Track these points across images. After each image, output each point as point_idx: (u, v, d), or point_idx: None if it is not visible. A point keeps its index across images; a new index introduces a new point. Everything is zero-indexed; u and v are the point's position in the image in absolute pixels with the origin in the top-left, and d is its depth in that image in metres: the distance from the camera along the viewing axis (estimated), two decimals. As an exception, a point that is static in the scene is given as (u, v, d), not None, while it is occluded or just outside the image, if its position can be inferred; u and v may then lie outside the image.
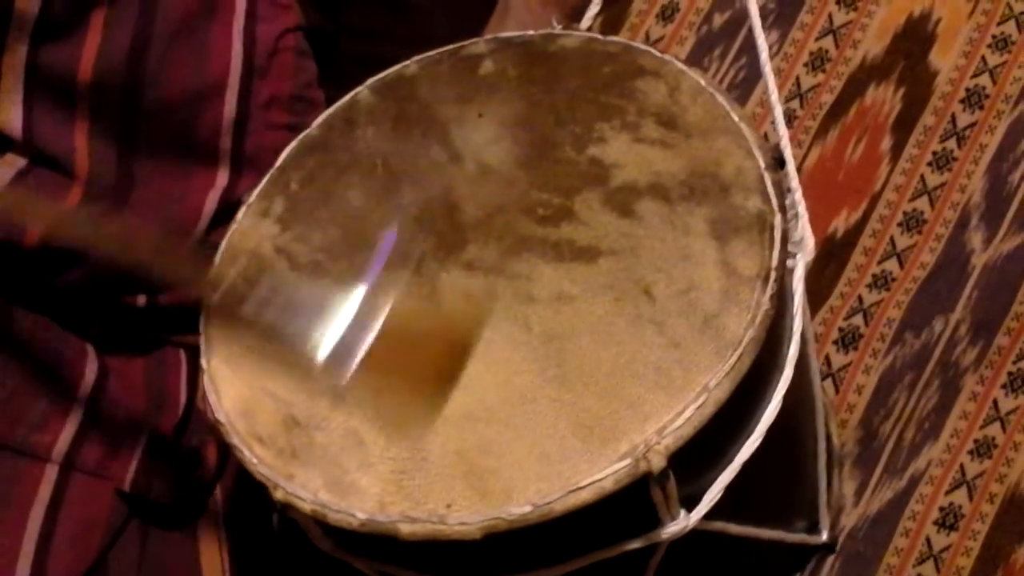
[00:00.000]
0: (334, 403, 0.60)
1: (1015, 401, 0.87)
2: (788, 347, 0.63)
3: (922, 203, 0.93)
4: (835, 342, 0.91)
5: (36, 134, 0.74)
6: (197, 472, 0.77)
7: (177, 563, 0.76)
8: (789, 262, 0.62)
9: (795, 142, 0.97)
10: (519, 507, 0.55)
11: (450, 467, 0.57)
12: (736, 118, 0.63)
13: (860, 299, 0.92)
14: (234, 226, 0.68)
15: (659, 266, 0.60)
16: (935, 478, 0.86)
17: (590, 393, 0.58)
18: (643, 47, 0.67)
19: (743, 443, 0.62)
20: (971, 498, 0.86)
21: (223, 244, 0.68)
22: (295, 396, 0.61)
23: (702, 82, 0.65)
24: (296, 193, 0.68)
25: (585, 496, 0.55)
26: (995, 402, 0.88)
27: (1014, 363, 0.88)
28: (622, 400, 0.57)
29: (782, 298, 0.60)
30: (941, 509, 0.86)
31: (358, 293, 0.63)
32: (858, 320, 0.91)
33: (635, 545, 0.60)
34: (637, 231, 0.62)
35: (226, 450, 0.77)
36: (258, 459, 0.60)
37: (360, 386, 0.60)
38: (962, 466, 0.87)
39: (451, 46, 0.71)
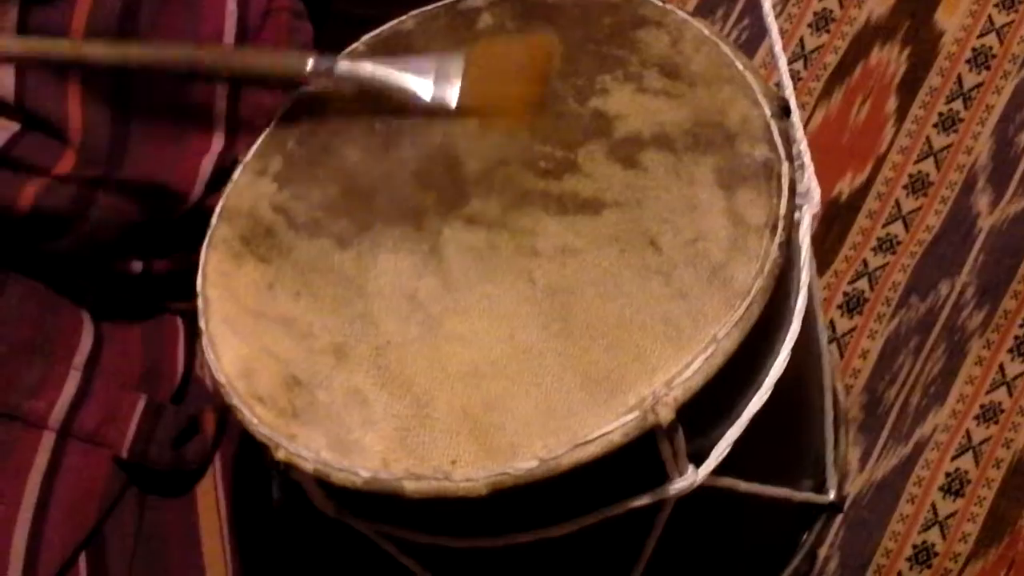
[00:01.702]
0: (336, 361, 0.59)
1: (1022, 366, 0.87)
2: (795, 300, 0.62)
3: (928, 165, 0.93)
4: (840, 306, 0.90)
5: (28, 97, 0.72)
6: (195, 439, 0.76)
7: (175, 530, 0.75)
8: (796, 214, 0.61)
9: (799, 104, 0.95)
10: (525, 462, 0.54)
11: (455, 423, 0.56)
12: (740, 66, 0.62)
13: (865, 263, 0.91)
14: (230, 186, 0.67)
15: (665, 217, 0.59)
16: (941, 444, 0.86)
17: (596, 346, 0.56)
18: (646, -2, 0.66)
19: (751, 397, 0.61)
20: (977, 464, 0.85)
21: (220, 204, 0.66)
22: (296, 354, 0.60)
23: (705, 31, 0.63)
24: (293, 151, 0.67)
25: (592, 450, 0.54)
26: (1001, 367, 0.87)
27: (1020, 327, 0.87)
28: (629, 352, 0.56)
29: (790, 249, 0.59)
30: (947, 475, 0.85)
31: None
32: (863, 284, 0.90)
33: (643, 502, 0.58)
34: (642, 182, 0.60)
35: (224, 417, 0.77)
36: (259, 419, 0.58)
37: (466, 110, 0.64)
38: (968, 431, 0.86)
39: (448, 0, 0.69)
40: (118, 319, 0.77)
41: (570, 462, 0.54)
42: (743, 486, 0.64)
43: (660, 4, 0.65)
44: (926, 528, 0.84)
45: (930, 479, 0.85)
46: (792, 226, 0.59)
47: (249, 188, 0.67)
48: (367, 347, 0.59)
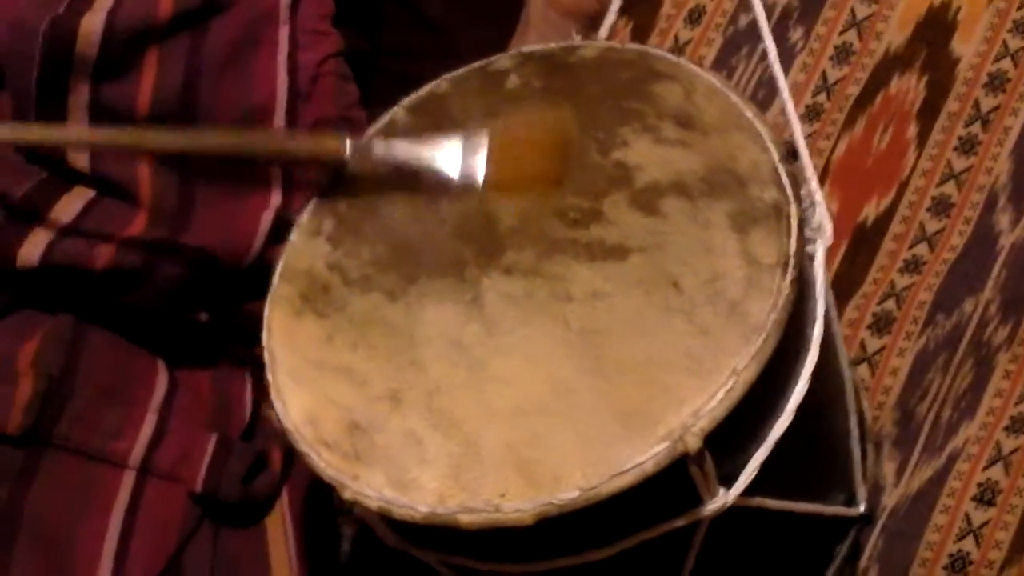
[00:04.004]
0: (392, 406, 0.65)
1: (1049, 376, 0.90)
2: (812, 328, 0.66)
3: (949, 187, 0.96)
4: (869, 327, 0.94)
5: (102, 166, 0.79)
6: (263, 473, 0.82)
7: (247, 559, 0.80)
8: (809, 248, 0.66)
9: (823, 134, 1.00)
10: (568, 492, 0.59)
11: (502, 459, 0.61)
12: (750, 115, 0.67)
13: (892, 284, 0.95)
14: (289, 247, 0.73)
15: (685, 259, 0.64)
16: (972, 455, 0.89)
17: (627, 382, 0.62)
18: (658, 52, 0.71)
19: (775, 421, 0.65)
20: (1008, 473, 0.88)
21: (280, 264, 0.72)
22: (356, 401, 0.66)
23: (716, 83, 0.68)
24: (343, 212, 0.73)
25: (628, 479, 0.59)
26: (1029, 378, 0.90)
27: (1046, 338, 0.91)
28: (657, 386, 0.61)
29: (804, 282, 0.64)
30: (979, 485, 0.89)
31: None
32: (891, 304, 0.94)
33: (679, 523, 0.63)
34: (662, 228, 0.66)
35: (291, 453, 0.83)
36: (325, 463, 0.64)
37: (492, 188, 0.70)
38: (998, 443, 0.89)
39: (478, 63, 0.75)
40: (189, 365, 0.84)
41: (608, 491, 0.59)
42: (772, 503, 0.69)
43: (674, 58, 0.70)
44: (961, 537, 0.88)
45: (963, 490, 0.88)
46: (804, 261, 0.64)
47: (306, 248, 0.72)
48: (419, 392, 0.65)
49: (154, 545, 0.76)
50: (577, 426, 0.61)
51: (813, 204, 0.68)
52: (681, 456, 0.59)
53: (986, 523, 0.87)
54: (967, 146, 0.97)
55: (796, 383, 0.66)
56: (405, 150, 0.71)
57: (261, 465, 0.81)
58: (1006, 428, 0.89)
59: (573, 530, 0.62)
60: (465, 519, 0.60)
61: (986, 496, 0.88)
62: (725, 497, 0.63)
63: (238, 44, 0.81)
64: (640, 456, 0.59)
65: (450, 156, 0.70)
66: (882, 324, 0.93)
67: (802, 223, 0.63)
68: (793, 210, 0.63)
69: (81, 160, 0.79)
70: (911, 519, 0.87)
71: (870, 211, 0.97)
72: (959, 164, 0.97)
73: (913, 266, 0.95)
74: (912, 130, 0.98)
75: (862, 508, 0.79)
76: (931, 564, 0.87)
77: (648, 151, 0.68)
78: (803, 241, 0.63)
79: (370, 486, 0.63)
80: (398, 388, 0.66)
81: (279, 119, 0.82)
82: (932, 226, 0.95)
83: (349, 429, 0.65)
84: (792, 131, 0.69)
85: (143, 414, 0.78)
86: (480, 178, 0.70)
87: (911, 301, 0.94)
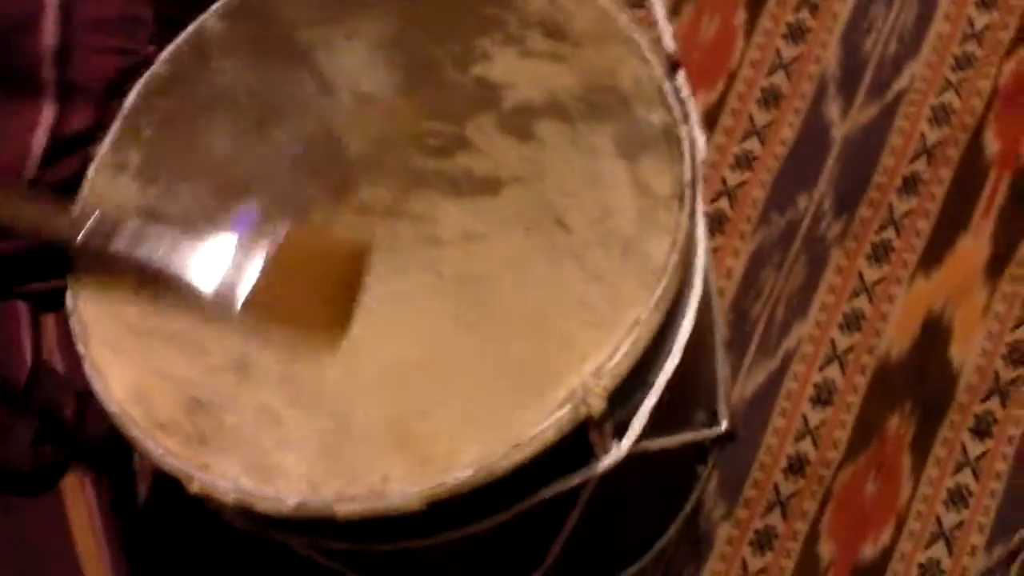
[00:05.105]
0: (239, 377, 0.56)
1: (880, 271, 0.89)
2: (695, 257, 0.61)
3: (779, 78, 0.93)
4: (705, 227, 0.91)
5: None
6: (54, 432, 0.71)
7: (44, 529, 0.71)
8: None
9: (646, 22, 0.94)
10: (461, 471, 0.52)
11: (379, 435, 0.53)
12: (625, 22, 0.60)
13: (724, 181, 0.91)
14: (85, 187, 0.61)
15: (569, 191, 0.57)
16: (807, 355, 0.88)
17: (517, 338, 0.55)
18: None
19: (663, 364, 0.60)
20: (843, 372, 0.88)
21: (75, 209, 0.61)
22: (192, 373, 0.56)
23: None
24: (151, 140, 0.61)
25: (529, 451, 0.52)
26: (860, 274, 0.90)
27: (876, 233, 0.90)
28: (551, 341, 0.54)
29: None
30: (815, 385, 0.88)
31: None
32: (723, 204, 0.91)
33: (573, 483, 0.58)
34: (539, 155, 0.58)
35: (84, 401, 0.72)
36: (164, 450, 0.55)
37: (255, 317, 0.56)
38: (832, 341, 0.89)
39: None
40: None
41: (508, 465, 0.52)
42: (655, 444, 0.64)
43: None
44: (798, 439, 0.87)
45: (799, 391, 0.87)
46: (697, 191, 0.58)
47: (107, 189, 0.61)
48: (270, 359, 0.56)
49: None
50: (464, 392, 0.54)
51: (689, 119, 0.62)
52: (585, 420, 0.53)
53: (823, 423, 0.87)
54: (796, 33, 0.94)
55: (682, 319, 0.61)
56: (154, 249, 0.56)
57: (52, 423, 0.71)
58: (840, 325, 0.88)
59: (462, 504, 0.55)
60: (343, 509, 0.52)
61: (823, 396, 0.88)
62: (619, 451, 0.58)
63: None
64: (541, 424, 0.52)
65: (210, 265, 0.56)
66: (715, 225, 0.90)
67: (694, 147, 0.57)
68: (684, 133, 0.57)
69: None
70: (748, 424, 0.86)
71: (697, 104, 0.92)
72: (788, 53, 0.93)
73: (745, 162, 0.91)
74: (739, 17, 0.94)
75: (724, 426, 0.77)
76: (770, 468, 0.86)
77: (514, 66, 0.60)
78: (696, 168, 0.57)
79: (224, 476, 0.54)
80: (243, 356, 0.56)
81: (51, 17, 0.69)
82: (762, 119, 0.92)
83: (188, 407, 0.56)
84: (665, 39, 0.62)
85: None
86: (238, 303, 0.56)
87: (744, 199, 0.91)
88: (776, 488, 0.87)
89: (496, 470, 0.52)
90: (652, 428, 0.63)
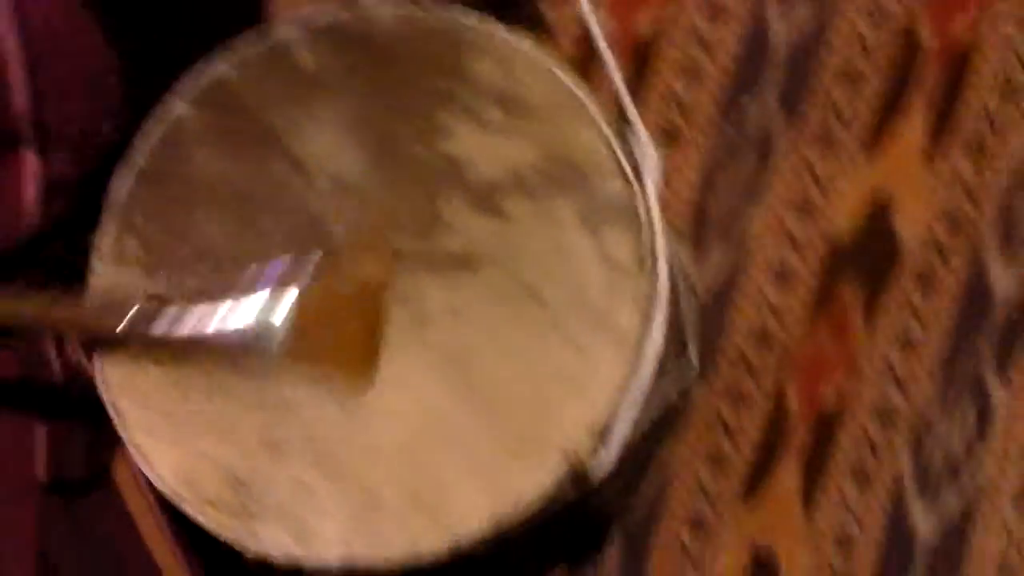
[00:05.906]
0: (272, 456, 0.64)
1: (825, 160, 0.95)
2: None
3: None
4: (654, 139, 0.95)
5: None
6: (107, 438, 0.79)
7: (113, 526, 0.79)
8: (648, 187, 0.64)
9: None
10: (477, 526, 0.61)
11: (403, 503, 0.62)
12: (574, 91, 0.63)
13: (675, 93, 0.95)
14: (93, 279, 0.66)
15: (541, 267, 0.63)
16: (763, 239, 0.96)
17: (508, 407, 0.63)
18: (466, 18, 0.64)
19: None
20: (796, 251, 0.96)
21: (91, 299, 0.66)
22: (230, 454, 0.64)
23: (536, 53, 0.63)
24: (145, 229, 0.66)
25: (533, 505, 0.61)
26: (807, 161, 0.96)
27: (819, 124, 0.95)
28: (540, 408, 0.62)
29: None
30: (773, 269, 0.97)
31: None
32: (675, 115, 0.95)
33: (571, 497, 0.67)
34: (510, 231, 0.64)
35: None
36: (217, 523, 0.64)
37: (294, 356, 0.64)
38: (785, 224, 0.96)
39: (251, 35, 0.65)
40: None
41: (516, 518, 0.62)
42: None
43: (485, 26, 0.64)
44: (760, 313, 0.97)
45: (760, 275, 0.96)
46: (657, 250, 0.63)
47: (117, 279, 0.66)
48: (297, 437, 0.64)
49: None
50: (469, 462, 0.63)
51: (640, 141, 0.67)
52: (579, 470, 0.62)
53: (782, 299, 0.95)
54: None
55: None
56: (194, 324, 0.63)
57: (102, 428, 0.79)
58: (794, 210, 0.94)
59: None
60: (383, 568, 0.62)
61: (782, 275, 0.95)
62: (610, 459, 0.66)
63: None
64: (541, 482, 0.61)
65: (243, 315, 0.63)
66: (669, 138, 0.95)
67: (650, 212, 0.63)
68: (640, 200, 0.63)
69: None
70: (712, 317, 0.94)
71: (645, 22, 0.95)
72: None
73: (693, 74, 0.95)
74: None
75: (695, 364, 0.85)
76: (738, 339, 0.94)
77: (476, 141, 0.64)
78: (655, 231, 0.63)
79: (274, 543, 0.63)
80: (271, 435, 0.64)
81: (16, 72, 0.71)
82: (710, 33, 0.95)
83: (232, 485, 0.64)
84: (618, 88, 0.66)
85: None
86: (277, 339, 0.63)
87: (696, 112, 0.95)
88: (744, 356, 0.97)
89: (506, 524, 0.62)
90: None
